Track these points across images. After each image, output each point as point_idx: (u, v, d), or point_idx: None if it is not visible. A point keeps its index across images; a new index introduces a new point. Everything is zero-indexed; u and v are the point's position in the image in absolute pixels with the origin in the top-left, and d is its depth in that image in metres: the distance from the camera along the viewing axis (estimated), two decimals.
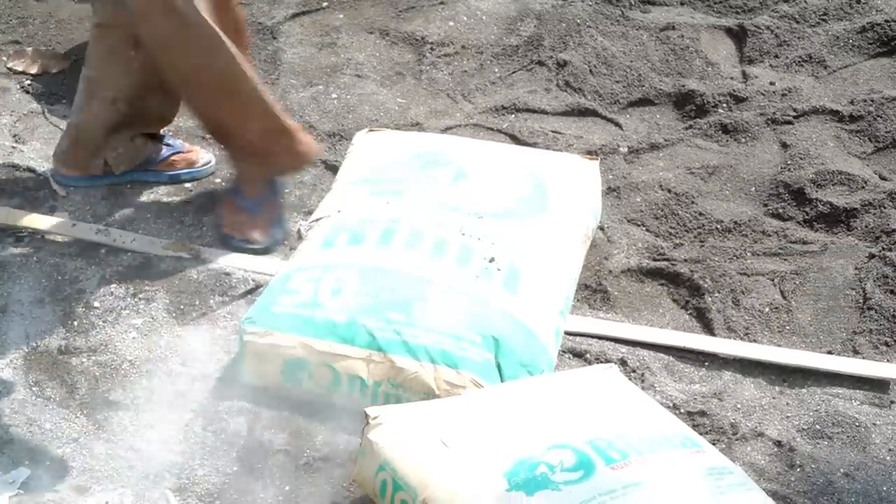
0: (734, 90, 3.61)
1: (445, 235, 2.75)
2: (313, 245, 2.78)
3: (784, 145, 3.44)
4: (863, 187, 3.29)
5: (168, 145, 3.24)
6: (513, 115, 3.55)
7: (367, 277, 2.65)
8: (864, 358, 2.86)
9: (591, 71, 3.67)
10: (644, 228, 3.17)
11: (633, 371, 2.76)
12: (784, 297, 3.02)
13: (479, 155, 3.02)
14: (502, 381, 2.56)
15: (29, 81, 3.55)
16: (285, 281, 2.70)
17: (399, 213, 2.80)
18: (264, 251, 3.01)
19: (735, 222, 3.20)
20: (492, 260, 2.72)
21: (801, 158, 3.37)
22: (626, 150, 3.43)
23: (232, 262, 2.98)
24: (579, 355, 2.80)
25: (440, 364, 2.54)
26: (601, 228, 3.07)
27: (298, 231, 2.86)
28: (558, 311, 2.74)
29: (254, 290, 2.90)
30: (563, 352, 2.78)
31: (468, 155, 3.01)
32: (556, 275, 2.79)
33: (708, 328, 2.93)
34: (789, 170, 3.35)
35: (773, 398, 2.75)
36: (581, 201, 2.96)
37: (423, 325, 2.58)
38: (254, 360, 2.64)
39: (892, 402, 2.76)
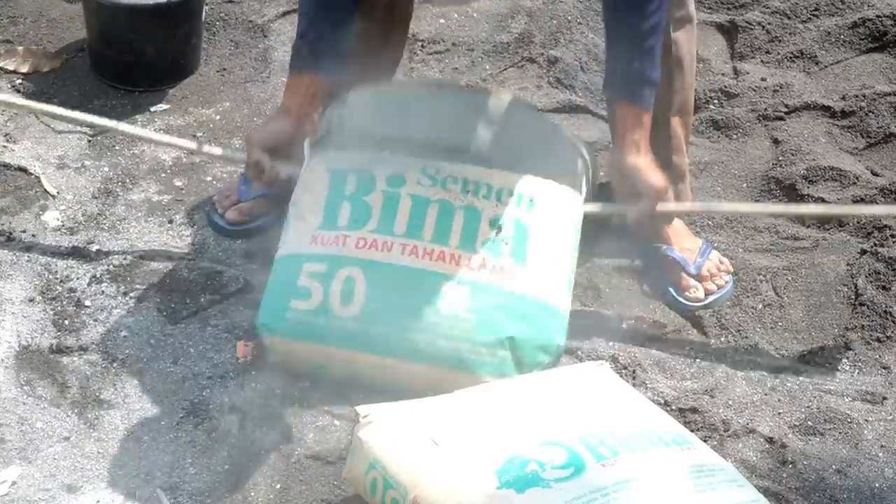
0: (725, 86, 3.61)
1: (449, 200, 2.72)
2: (313, 221, 2.75)
3: (775, 141, 3.44)
4: (854, 183, 3.29)
5: None
6: None
7: (375, 279, 2.64)
8: (856, 353, 2.87)
9: (581, 68, 3.66)
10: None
11: (625, 368, 2.76)
12: (776, 294, 3.02)
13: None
14: (522, 371, 2.59)
15: (20, 80, 3.54)
16: (294, 276, 2.68)
17: (399, 171, 2.77)
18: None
19: (726, 218, 3.19)
20: (498, 230, 2.71)
21: (793, 154, 3.37)
22: None
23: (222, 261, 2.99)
24: (570, 352, 2.80)
25: (456, 369, 2.58)
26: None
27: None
28: (566, 278, 2.74)
29: (243, 287, 2.91)
30: None
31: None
32: (561, 243, 2.77)
33: (699, 325, 2.93)
34: (781, 165, 3.35)
35: (765, 395, 2.75)
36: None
37: (435, 332, 2.60)
38: (278, 358, 2.70)
39: (884, 398, 2.77)
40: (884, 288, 3.00)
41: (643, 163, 2.77)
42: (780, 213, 3.20)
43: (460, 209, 2.71)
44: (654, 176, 2.77)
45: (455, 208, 2.72)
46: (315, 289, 2.65)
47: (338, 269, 2.66)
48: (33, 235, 3.05)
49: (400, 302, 2.62)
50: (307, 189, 2.79)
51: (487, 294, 2.64)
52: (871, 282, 3.02)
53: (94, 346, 2.78)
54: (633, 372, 2.76)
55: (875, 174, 3.35)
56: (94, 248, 3.02)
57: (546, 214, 2.74)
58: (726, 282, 3.00)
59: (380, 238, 2.69)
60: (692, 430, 2.53)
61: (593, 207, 2.85)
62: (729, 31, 3.85)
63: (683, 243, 3.03)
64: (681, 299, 2.97)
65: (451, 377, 2.57)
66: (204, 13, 3.59)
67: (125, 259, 2.99)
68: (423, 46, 3.77)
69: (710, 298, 2.97)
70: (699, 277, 2.98)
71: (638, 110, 2.76)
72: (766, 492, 2.46)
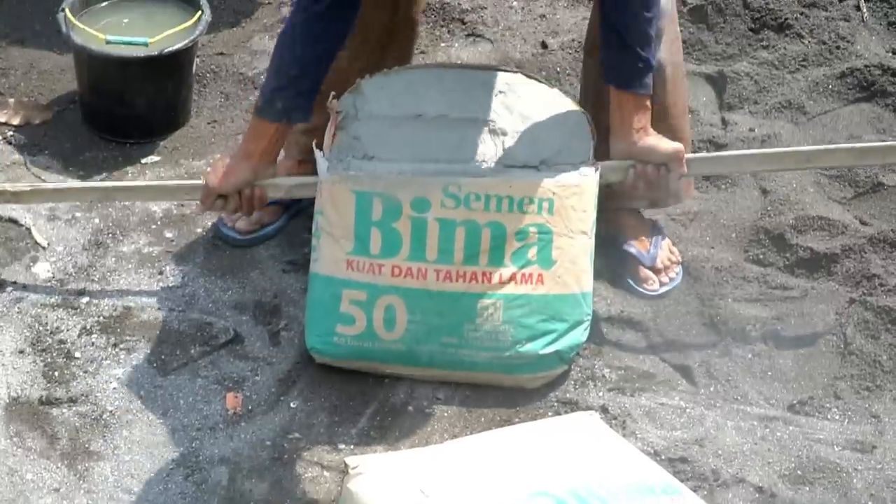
0: (714, 136, 3.62)
1: (474, 219, 2.80)
2: (345, 244, 2.82)
3: (764, 191, 3.45)
4: (843, 232, 3.29)
5: None
6: None
7: (414, 305, 2.79)
8: (845, 402, 2.87)
9: None
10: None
11: (615, 418, 2.76)
12: (765, 343, 3.03)
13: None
14: (562, 363, 2.86)
15: (11, 133, 3.55)
16: (335, 301, 2.81)
17: (423, 193, 2.82)
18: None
19: (716, 268, 3.20)
20: (523, 241, 2.81)
21: (782, 204, 3.38)
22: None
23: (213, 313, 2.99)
24: (561, 402, 2.80)
25: (500, 373, 2.84)
26: None
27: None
28: (588, 257, 2.88)
29: (233, 339, 2.91)
30: (544, 398, 2.81)
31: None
32: (582, 228, 2.88)
33: (688, 376, 2.93)
34: (769, 215, 3.36)
35: (755, 444, 2.75)
36: None
37: (475, 346, 2.81)
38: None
39: (873, 447, 2.77)
40: (873, 337, 3.01)
41: (653, 140, 2.93)
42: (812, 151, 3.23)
43: (486, 226, 2.81)
44: (669, 144, 2.94)
45: (481, 226, 2.81)
46: (358, 315, 2.80)
47: (378, 298, 2.80)
48: (24, 286, 3.05)
49: (439, 323, 2.81)
50: (334, 205, 2.84)
51: (520, 304, 2.82)
52: (860, 331, 3.02)
53: (83, 397, 2.78)
54: (623, 422, 2.76)
55: (863, 223, 3.35)
56: (85, 299, 3.02)
57: (566, 210, 2.85)
58: (677, 273, 3.21)
59: (413, 265, 2.81)
60: (682, 480, 2.53)
61: (614, 168, 2.95)
62: (717, 82, 3.86)
63: (638, 233, 3.21)
64: (640, 289, 3.17)
65: (495, 379, 2.85)
66: (195, 65, 3.60)
67: (115, 310, 3.00)
68: None
69: (664, 289, 3.17)
70: (655, 270, 3.18)
71: (643, 96, 2.91)
72: None
